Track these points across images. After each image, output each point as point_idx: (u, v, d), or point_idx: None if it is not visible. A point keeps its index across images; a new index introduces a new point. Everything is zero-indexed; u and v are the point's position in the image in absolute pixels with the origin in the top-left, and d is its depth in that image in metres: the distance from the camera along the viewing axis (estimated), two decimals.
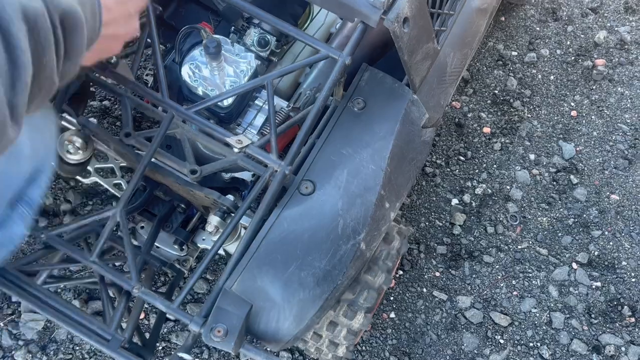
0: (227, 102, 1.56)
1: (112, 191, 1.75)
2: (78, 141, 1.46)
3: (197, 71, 1.55)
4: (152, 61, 1.77)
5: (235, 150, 1.39)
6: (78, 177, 1.71)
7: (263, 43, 1.66)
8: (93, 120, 1.45)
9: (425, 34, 1.51)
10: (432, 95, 1.64)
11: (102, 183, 1.73)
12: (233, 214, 1.45)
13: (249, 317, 1.35)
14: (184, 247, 1.66)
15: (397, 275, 2.21)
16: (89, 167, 1.70)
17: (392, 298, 2.17)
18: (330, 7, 1.41)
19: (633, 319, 2.19)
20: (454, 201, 2.37)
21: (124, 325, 1.39)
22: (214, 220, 1.46)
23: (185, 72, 1.54)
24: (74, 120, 1.48)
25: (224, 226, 1.45)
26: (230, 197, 1.47)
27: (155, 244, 1.66)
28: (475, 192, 2.39)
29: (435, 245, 2.28)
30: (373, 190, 1.44)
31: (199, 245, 1.69)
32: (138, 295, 1.35)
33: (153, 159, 1.46)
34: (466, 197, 2.37)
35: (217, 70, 1.54)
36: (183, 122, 1.53)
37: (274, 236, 1.37)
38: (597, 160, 2.50)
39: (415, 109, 1.57)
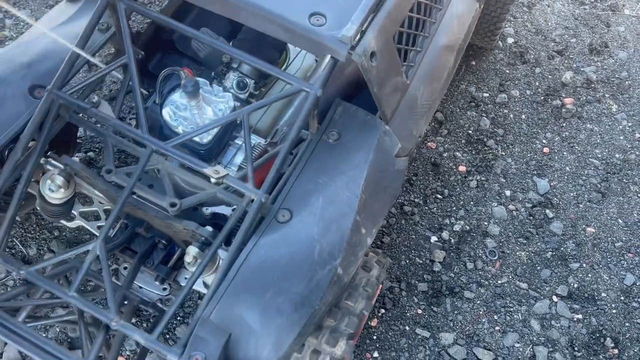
0: (207, 139, 1.65)
1: (96, 233, 1.80)
2: (59, 179, 1.53)
3: (178, 111, 1.65)
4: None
5: (213, 180, 1.47)
6: (62, 221, 1.76)
7: (242, 85, 1.78)
8: (75, 159, 1.54)
9: (393, 68, 1.64)
10: (404, 126, 1.76)
11: (86, 226, 1.78)
12: (211, 245, 1.52)
13: (228, 345, 1.39)
14: (165, 285, 1.71)
15: (380, 314, 2.26)
16: (73, 211, 1.76)
17: (375, 337, 2.21)
18: (302, 44, 1.54)
19: (616, 351, 2.25)
20: (433, 238, 2.45)
21: None
22: (192, 250, 1.53)
23: (166, 112, 1.65)
24: (58, 163, 1.56)
25: (202, 257, 1.51)
26: (209, 228, 1.54)
27: (138, 284, 1.70)
28: (454, 229, 2.48)
29: (416, 282, 2.34)
30: (348, 216, 1.52)
31: (181, 284, 1.74)
32: (117, 328, 1.39)
33: (134, 195, 1.54)
34: (445, 234, 2.46)
35: (197, 109, 1.65)
36: (165, 159, 1.62)
37: (252, 263, 1.44)
38: (572, 194, 2.62)
39: (388, 139, 1.68)
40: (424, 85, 1.84)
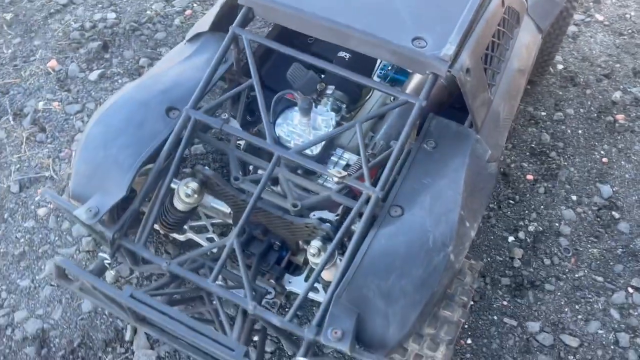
0: (316, 151, 1.64)
1: (204, 245, 1.76)
2: (194, 185, 1.53)
3: (290, 128, 1.66)
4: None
5: (335, 179, 1.45)
6: (174, 235, 1.72)
7: (336, 109, 1.75)
8: (206, 167, 1.55)
9: (481, 85, 1.60)
10: (491, 137, 1.70)
11: (195, 238, 1.76)
12: (331, 240, 1.46)
13: (357, 324, 1.34)
14: (270, 289, 1.66)
15: (469, 306, 2.14)
16: (184, 226, 1.75)
17: (467, 326, 2.10)
18: (406, 64, 1.52)
19: None
20: (510, 238, 2.33)
21: None
22: (316, 243, 1.48)
23: (280, 130, 1.66)
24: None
25: (324, 250, 1.47)
26: (328, 224, 1.50)
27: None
28: (528, 229, 2.35)
29: (499, 277, 2.22)
30: (454, 211, 1.46)
31: (286, 287, 1.69)
32: (255, 312, 1.36)
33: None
34: (521, 234, 2.34)
35: (307, 126, 1.65)
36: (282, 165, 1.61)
37: (374, 250, 1.40)
38: (634, 198, 2.44)
39: (480, 146, 1.62)
40: (504, 102, 1.78)
